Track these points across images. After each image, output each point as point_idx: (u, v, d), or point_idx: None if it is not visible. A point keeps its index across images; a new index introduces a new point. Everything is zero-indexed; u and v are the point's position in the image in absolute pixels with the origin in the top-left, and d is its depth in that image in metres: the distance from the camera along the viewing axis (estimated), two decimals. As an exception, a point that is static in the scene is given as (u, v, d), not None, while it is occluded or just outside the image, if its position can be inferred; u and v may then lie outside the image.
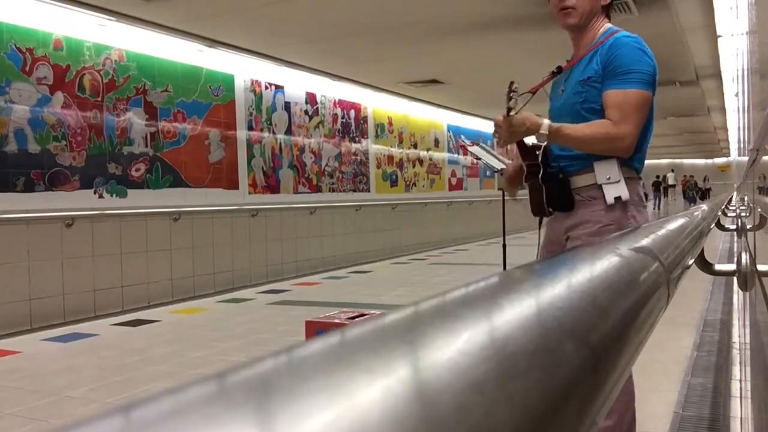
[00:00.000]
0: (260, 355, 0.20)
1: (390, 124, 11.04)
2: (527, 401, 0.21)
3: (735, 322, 4.61)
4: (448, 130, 13.13)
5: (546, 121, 1.96)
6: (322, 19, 6.27)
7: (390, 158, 11.01)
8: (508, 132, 1.97)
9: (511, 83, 1.95)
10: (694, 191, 28.25)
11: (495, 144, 2.06)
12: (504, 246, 6.09)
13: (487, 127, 14.53)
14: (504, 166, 5.97)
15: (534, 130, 1.95)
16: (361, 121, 10.22)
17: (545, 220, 2.21)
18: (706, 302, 5.46)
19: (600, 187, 1.99)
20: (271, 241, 8.02)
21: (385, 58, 8.02)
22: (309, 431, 0.15)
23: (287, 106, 8.53)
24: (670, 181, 31.06)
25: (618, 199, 1.97)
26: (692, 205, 25.45)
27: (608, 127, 1.94)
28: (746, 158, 4.62)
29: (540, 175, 2.09)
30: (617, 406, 1.93)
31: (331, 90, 9.37)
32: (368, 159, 10.38)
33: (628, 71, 1.95)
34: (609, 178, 1.98)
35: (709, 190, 31.33)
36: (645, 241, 0.65)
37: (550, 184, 2.07)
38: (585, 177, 2.02)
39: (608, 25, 2.08)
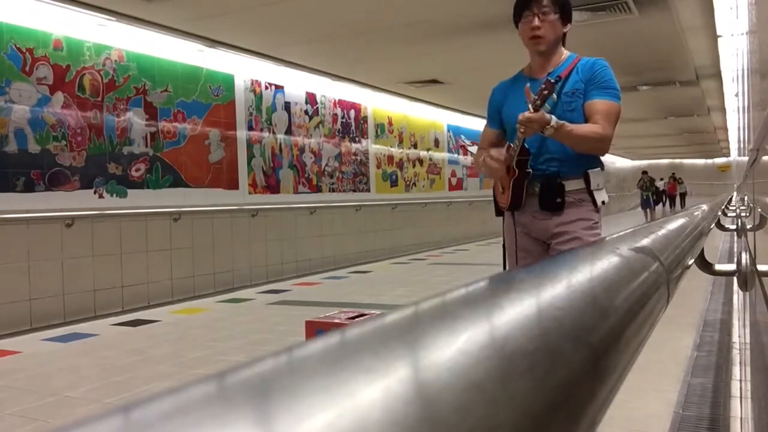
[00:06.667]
0: (260, 355, 0.20)
1: (390, 124, 11.04)
2: (527, 401, 0.21)
3: (735, 322, 4.61)
4: (448, 130, 13.12)
5: (554, 117, 2.16)
6: (322, 19, 6.27)
7: (390, 158, 11.01)
8: (538, 124, 2.15)
9: (556, 82, 2.20)
10: (650, 192, 20.94)
11: (519, 137, 2.24)
12: (504, 246, 6.09)
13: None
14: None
15: (545, 124, 2.15)
16: (361, 121, 10.22)
17: (506, 219, 2.54)
18: (706, 302, 5.46)
19: (590, 191, 2.32)
20: (271, 241, 8.02)
21: (385, 58, 8.02)
22: (309, 431, 0.15)
23: (287, 106, 8.52)
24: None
25: (603, 202, 2.35)
26: (647, 212, 21.85)
27: (597, 128, 2.24)
28: (746, 158, 4.62)
29: (528, 175, 2.32)
30: None
31: (331, 90, 9.36)
32: (368, 159, 10.37)
33: (609, 87, 2.30)
34: (598, 185, 2.33)
35: (684, 195, 25.63)
36: (645, 241, 0.65)
37: (545, 186, 2.31)
38: (576, 182, 2.32)
39: (569, 51, 2.42)
